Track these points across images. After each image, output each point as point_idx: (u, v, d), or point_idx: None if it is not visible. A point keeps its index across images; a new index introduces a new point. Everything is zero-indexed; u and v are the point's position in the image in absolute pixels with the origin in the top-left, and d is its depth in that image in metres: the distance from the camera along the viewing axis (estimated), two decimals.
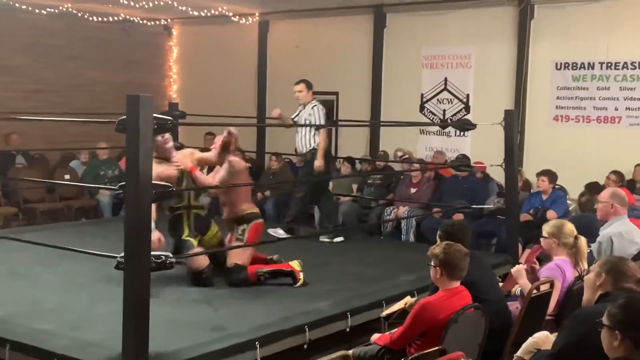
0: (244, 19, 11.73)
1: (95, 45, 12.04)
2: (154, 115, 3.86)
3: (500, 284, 5.21)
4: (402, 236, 8.88)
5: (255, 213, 6.04)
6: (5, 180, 10.11)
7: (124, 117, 3.81)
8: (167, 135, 5.60)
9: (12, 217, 10.06)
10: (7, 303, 5.04)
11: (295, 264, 5.78)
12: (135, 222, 3.76)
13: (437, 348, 3.48)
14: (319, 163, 7.59)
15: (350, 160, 10.10)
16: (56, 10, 10.96)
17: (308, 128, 7.61)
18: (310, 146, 7.66)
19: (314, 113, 7.66)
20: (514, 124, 6.94)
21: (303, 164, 8.08)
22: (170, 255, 4.17)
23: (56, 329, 4.47)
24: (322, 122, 7.62)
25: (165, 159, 5.77)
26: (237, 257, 5.69)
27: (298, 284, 5.67)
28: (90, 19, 11.69)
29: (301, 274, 5.73)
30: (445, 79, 10.44)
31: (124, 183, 3.83)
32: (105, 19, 11.82)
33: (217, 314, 4.93)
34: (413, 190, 9.11)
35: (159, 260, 3.95)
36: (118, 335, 3.81)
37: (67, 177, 10.50)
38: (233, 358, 4.29)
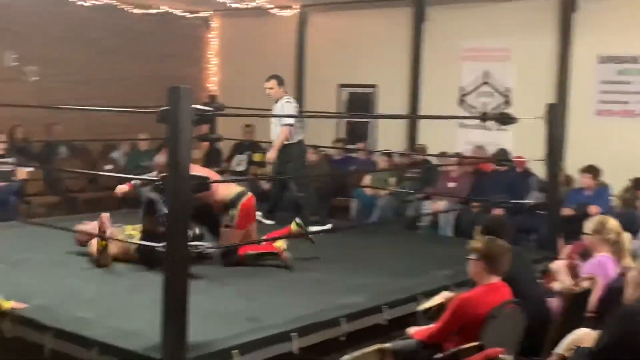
0: (283, 11, 11.74)
1: (136, 37, 12.16)
2: (194, 106, 3.88)
3: (540, 281, 5.14)
4: (440, 230, 8.82)
5: (239, 192, 6.01)
6: (48, 170, 10.30)
7: (165, 108, 3.84)
8: None
9: (55, 206, 10.25)
10: (49, 291, 5.13)
11: (280, 244, 5.99)
12: (174, 212, 3.78)
13: (475, 344, 3.44)
14: (270, 155, 7.79)
15: (388, 153, 10.07)
16: (98, 3, 11.11)
17: (277, 123, 7.79)
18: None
19: (283, 109, 7.74)
20: (556, 118, 6.84)
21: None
22: (209, 245, 4.21)
23: (96, 317, 4.54)
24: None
25: None
26: (227, 240, 5.81)
27: (283, 264, 5.90)
28: (131, 11, 11.82)
29: (285, 253, 5.93)
30: (486, 72, 10.32)
31: (164, 174, 3.87)
32: (145, 12, 11.94)
33: (253, 305, 4.95)
34: (452, 184, 9.03)
35: (198, 250, 3.98)
36: (157, 324, 3.85)
37: (108, 167, 10.66)
38: (270, 349, 4.31)
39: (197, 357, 3.87)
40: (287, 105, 7.80)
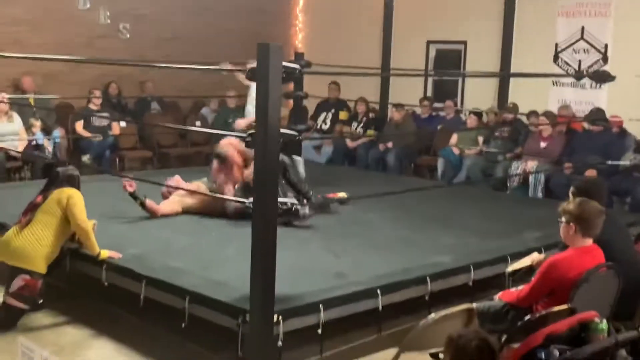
0: None
1: None
2: (283, 63, 3.89)
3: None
4: (530, 192, 8.61)
5: None
6: (141, 125, 10.62)
7: (255, 65, 3.86)
8: None
9: (147, 161, 10.59)
10: (142, 242, 5.33)
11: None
12: (263, 168, 3.83)
13: (566, 307, 3.36)
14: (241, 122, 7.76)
15: (476, 112, 9.85)
16: None
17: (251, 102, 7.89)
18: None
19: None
20: None
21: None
22: (296, 202, 4.25)
23: (187, 267, 4.69)
24: None
25: None
26: None
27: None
28: None
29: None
30: (582, 28, 9.89)
31: (253, 130, 3.91)
32: None
33: (339, 262, 5.00)
34: (543, 144, 8.77)
35: (286, 207, 4.03)
36: (245, 276, 3.94)
37: (198, 123, 10.90)
38: (355, 304, 4.36)
39: (284, 309, 3.95)
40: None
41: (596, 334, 2.82)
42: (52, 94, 10.01)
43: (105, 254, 4.86)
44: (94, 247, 4.85)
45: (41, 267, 4.76)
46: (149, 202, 6.06)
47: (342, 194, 6.77)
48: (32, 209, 4.89)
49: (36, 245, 4.75)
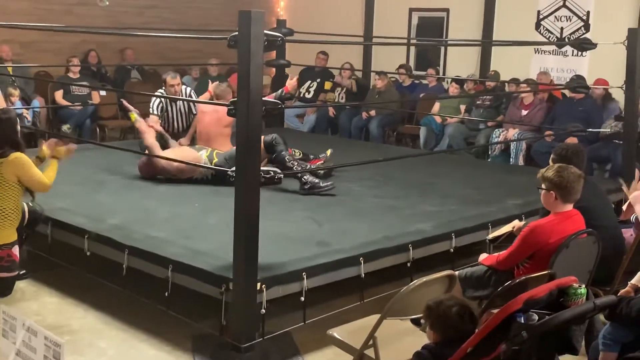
0: None
1: None
2: (265, 31, 3.85)
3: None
4: (511, 159, 8.67)
5: None
6: (121, 94, 10.51)
7: (236, 33, 3.82)
8: None
9: (128, 130, 10.50)
10: (123, 211, 5.31)
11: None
12: (245, 137, 3.82)
13: (546, 272, 3.41)
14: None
15: (458, 80, 9.85)
16: None
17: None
18: None
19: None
20: (637, 43, 6.52)
21: None
22: (279, 170, 4.25)
23: (170, 236, 4.69)
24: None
25: None
26: None
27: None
28: None
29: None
30: None
31: (235, 99, 3.89)
32: None
33: (322, 229, 5.02)
34: (524, 112, 8.80)
35: (268, 175, 4.03)
36: (228, 246, 3.95)
37: None
38: (338, 272, 4.38)
39: (266, 277, 3.97)
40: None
41: (575, 299, 2.86)
42: (31, 63, 9.87)
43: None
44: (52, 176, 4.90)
45: (11, 237, 4.74)
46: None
47: (329, 152, 6.94)
48: None
49: (1, 220, 4.71)
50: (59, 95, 9.76)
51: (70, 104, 9.69)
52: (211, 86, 7.29)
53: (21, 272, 4.95)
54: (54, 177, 4.91)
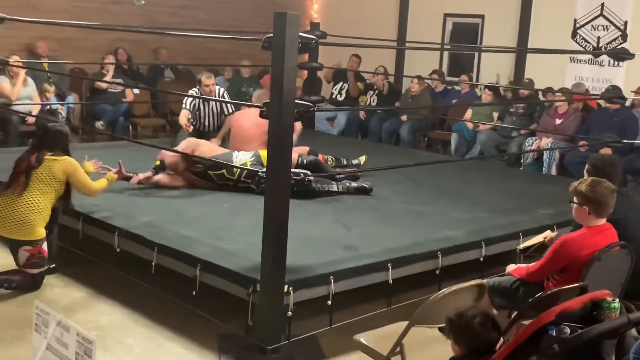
0: None
1: None
2: (299, 34, 3.85)
3: None
4: (544, 168, 8.57)
5: None
6: (154, 93, 10.60)
7: (271, 34, 3.82)
8: None
9: (160, 128, 10.60)
10: (154, 210, 5.34)
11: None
12: (276, 139, 3.82)
13: (577, 284, 3.35)
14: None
15: (492, 87, 9.76)
16: None
17: None
18: None
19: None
20: None
21: None
22: (309, 172, 4.24)
23: (199, 236, 4.70)
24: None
25: None
26: None
27: None
28: None
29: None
30: (602, 4, 9.74)
31: (268, 101, 3.88)
32: None
33: (351, 234, 5.00)
34: (558, 121, 8.70)
35: (298, 177, 4.02)
36: (257, 247, 3.95)
37: None
38: (365, 277, 4.36)
39: (294, 280, 3.96)
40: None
41: (609, 313, 2.81)
42: (66, 59, 9.99)
43: (90, 167, 5.33)
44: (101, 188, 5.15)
45: (40, 234, 4.79)
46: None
47: (362, 158, 7.05)
48: (26, 171, 4.78)
49: (35, 215, 4.76)
50: (100, 83, 9.77)
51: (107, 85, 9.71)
52: (255, 98, 7.41)
53: (51, 266, 5.00)
54: (103, 189, 5.18)
